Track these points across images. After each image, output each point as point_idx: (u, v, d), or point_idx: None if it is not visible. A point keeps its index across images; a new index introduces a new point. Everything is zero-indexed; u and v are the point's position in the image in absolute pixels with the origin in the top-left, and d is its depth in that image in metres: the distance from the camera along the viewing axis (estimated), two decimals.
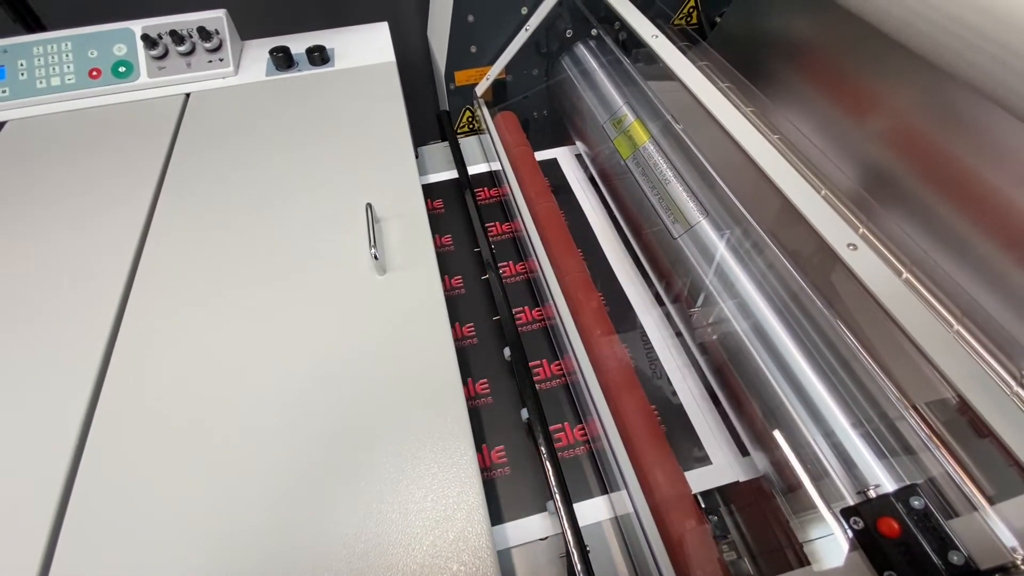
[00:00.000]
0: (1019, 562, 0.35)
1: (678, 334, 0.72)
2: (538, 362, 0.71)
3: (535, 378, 0.69)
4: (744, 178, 0.62)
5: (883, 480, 0.46)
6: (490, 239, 0.84)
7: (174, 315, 0.58)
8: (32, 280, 0.61)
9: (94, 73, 0.85)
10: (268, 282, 0.60)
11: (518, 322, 0.75)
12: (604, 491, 0.59)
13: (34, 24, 1.05)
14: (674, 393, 0.66)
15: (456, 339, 0.72)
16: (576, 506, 0.53)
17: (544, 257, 0.75)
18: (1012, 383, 0.44)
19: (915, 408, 0.48)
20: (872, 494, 0.44)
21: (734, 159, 0.61)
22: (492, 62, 1.03)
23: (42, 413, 0.51)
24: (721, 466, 0.60)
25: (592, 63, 0.96)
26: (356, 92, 0.84)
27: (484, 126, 1.00)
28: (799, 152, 0.69)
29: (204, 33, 0.86)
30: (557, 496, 0.53)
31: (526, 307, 0.77)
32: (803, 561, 0.49)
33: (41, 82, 0.84)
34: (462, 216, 0.88)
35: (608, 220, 0.88)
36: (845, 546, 0.43)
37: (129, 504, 0.45)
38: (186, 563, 0.43)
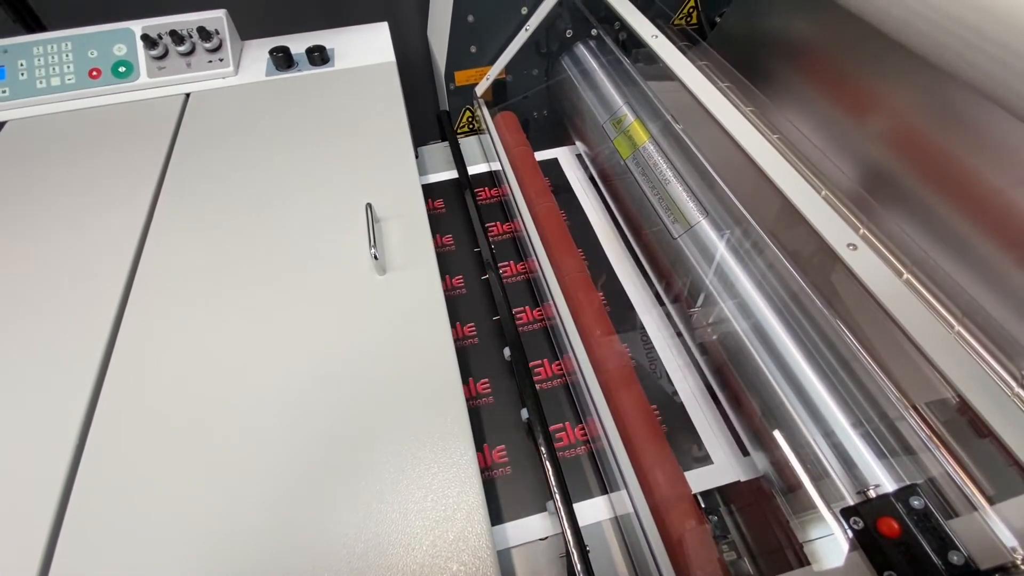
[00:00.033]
0: (1019, 562, 0.35)
1: (679, 334, 0.72)
2: (539, 362, 0.71)
3: (536, 378, 0.69)
4: (744, 178, 0.62)
5: (883, 480, 0.46)
6: (491, 239, 0.84)
7: (174, 315, 0.58)
8: (32, 280, 0.61)
9: (94, 73, 0.85)
10: (268, 282, 0.60)
11: (519, 322, 0.75)
12: (604, 491, 0.59)
13: (34, 24, 1.05)
14: (675, 393, 0.66)
15: (457, 339, 0.72)
16: (576, 506, 0.53)
17: (544, 257, 0.75)
18: (1012, 383, 0.44)
19: (915, 408, 0.48)
20: (872, 494, 0.44)
21: (734, 159, 0.61)
22: (492, 62, 1.03)
23: (42, 413, 0.51)
24: (722, 466, 0.60)
25: (592, 63, 0.96)
26: (356, 92, 0.84)
27: (484, 126, 1.00)
28: (799, 152, 0.69)
29: (204, 33, 0.86)
30: (557, 496, 0.53)
31: (527, 307, 0.77)
32: (803, 561, 0.49)
33: (41, 82, 0.84)
34: (463, 216, 0.88)
35: (609, 220, 0.88)
36: (845, 546, 0.43)
37: (129, 504, 0.45)
38: (186, 563, 0.43)
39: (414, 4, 1.24)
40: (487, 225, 0.87)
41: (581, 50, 1.00)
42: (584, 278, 0.73)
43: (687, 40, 0.90)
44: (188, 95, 0.85)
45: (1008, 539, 0.37)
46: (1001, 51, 0.45)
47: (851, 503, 0.45)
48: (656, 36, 0.74)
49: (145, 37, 0.85)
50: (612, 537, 0.57)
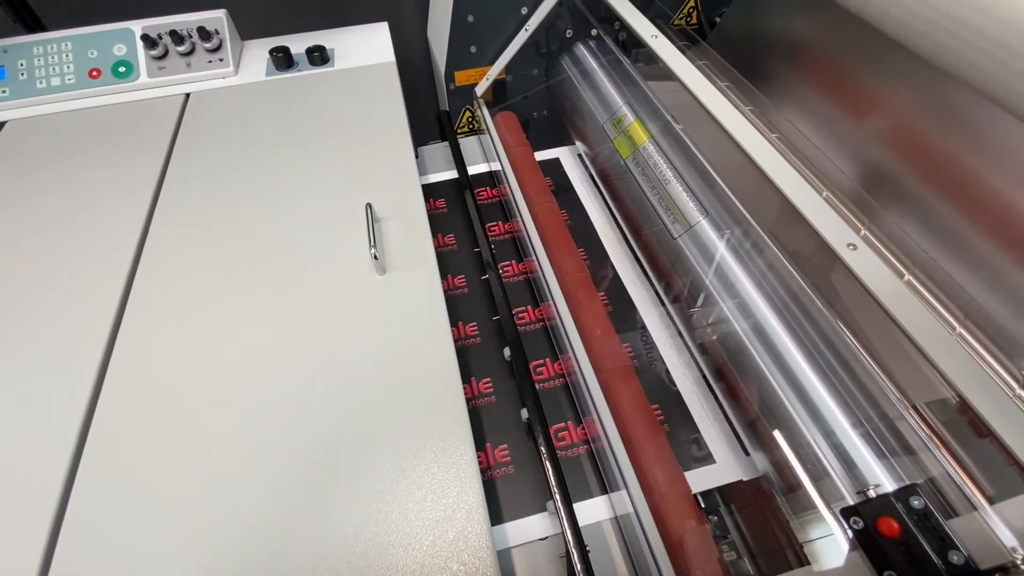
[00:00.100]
0: (1019, 562, 0.35)
1: (680, 333, 0.72)
2: (541, 361, 0.71)
3: (539, 377, 0.69)
4: (744, 178, 0.62)
5: (883, 480, 0.46)
6: (491, 239, 0.84)
7: (173, 314, 0.58)
8: (32, 280, 0.61)
9: (94, 73, 0.85)
10: (268, 282, 0.60)
11: (521, 321, 0.75)
12: (604, 491, 0.59)
13: (34, 24, 1.05)
14: (676, 392, 0.66)
15: (459, 338, 0.72)
16: (576, 506, 0.53)
17: (544, 257, 0.75)
18: (1013, 384, 0.44)
19: (915, 408, 0.48)
20: (872, 494, 0.44)
21: (734, 159, 0.61)
22: (492, 62, 1.03)
23: (42, 413, 0.51)
24: (723, 465, 0.60)
25: (592, 63, 0.96)
26: (356, 92, 0.84)
27: (484, 126, 1.00)
28: (799, 152, 0.69)
29: (204, 33, 0.86)
30: (557, 496, 0.53)
31: (528, 306, 0.77)
32: (803, 561, 0.49)
33: (41, 82, 0.84)
34: (464, 216, 0.88)
35: (611, 219, 0.88)
36: (845, 546, 0.43)
37: (129, 502, 0.45)
38: (186, 562, 0.43)
39: (414, 4, 1.24)
40: (489, 225, 0.87)
41: (581, 50, 1.00)
42: (584, 278, 0.73)
43: (687, 40, 0.90)
44: (188, 95, 0.85)
45: (1008, 539, 0.37)
46: (1001, 51, 0.45)
47: (851, 503, 0.45)
48: (656, 36, 0.74)
49: (145, 37, 0.85)
50: (612, 537, 0.57)
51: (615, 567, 0.55)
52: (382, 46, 0.94)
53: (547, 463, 0.56)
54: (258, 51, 0.93)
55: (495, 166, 0.94)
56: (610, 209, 0.89)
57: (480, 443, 0.62)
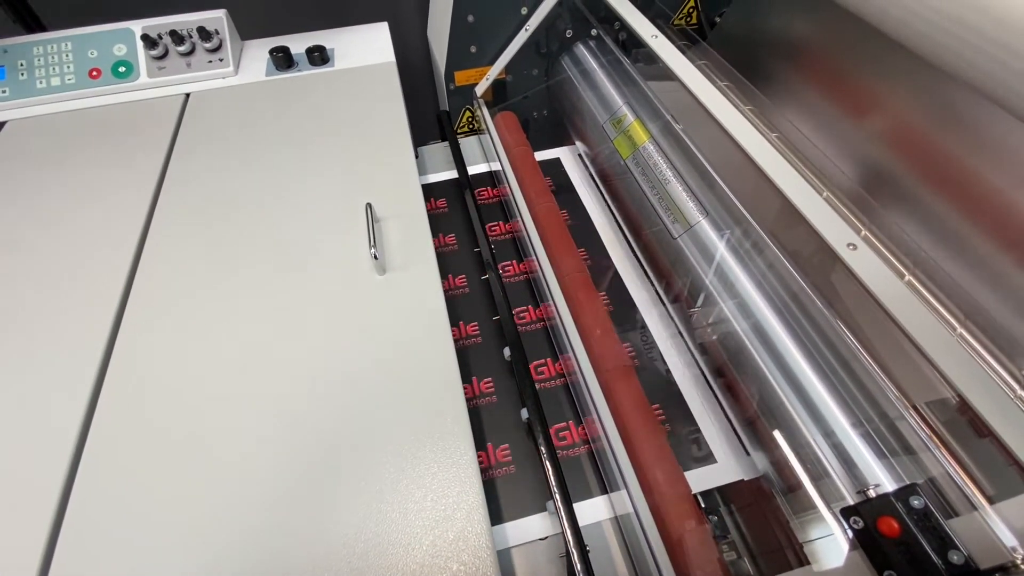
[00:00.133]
0: (1019, 562, 0.35)
1: (680, 333, 0.72)
2: (542, 361, 0.71)
3: (540, 377, 0.69)
4: (744, 178, 0.62)
5: (883, 480, 0.46)
6: (492, 239, 0.84)
7: (173, 314, 0.58)
8: (32, 281, 0.61)
9: (94, 73, 0.85)
10: (268, 282, 0.60)
11: (522, 321, 0.75)
12: (604, 491, 0.59)
13: (34, 24, 1.05)
14: (677, 392, 0.66)
15: (460, 338, 0.72)
16: (576, 506, 0.53)
17: (543, 257, 0.75)
18: (1014, 384, 0.44)
19: (915, 408, 0.48)
20: (872, 494, 0.44)
21: (734, 159, 0.61)
22: (492, 62, 1.03)
23: (42, 413, 0.51)
24: (723, 465, 0.60)
25: (592, 63, 0.96)
26: (356, 92, 0.84)
27: (484, 126, 1.00)
28: (799, 152, 0.69)
29: (204, 33, 0.86)
30: (557, 496, 0.53)
31: (529, 306, 0.77)
32: (803, 561, 0.49)
33: (41, 82, 0.84)
34: (464, 216, 0.88)
35: (611, 219, 0.88)
36: (845, 546, 0.43)
37: (129, 503, 0.45)
38: (186, 562, 0.43)
39: (414, 4, 1.24)
40: (490, 225, 0.87)
41: (581, 50, 1.00)
42: (584, 278, 0.73)
43: (687, 40, 0.90)
44: (188, 95, 0.85)
45: (1008, 539, 0.37)
46: (1001, 51, 0.45)
47: (851, 503, 0.45)
48: (656, 36, 0.74)
49: (145, 37, 0.85)
50: (612, 537, 0.57)
51: (615, 567, 0.55)
52: (382, 46, 0.94)
53: (547, 463, 0.56)
54: (258, 51, 0.93)
55: (495, 166, 0.94)
56: (610, 209, 0.89)
57: (481, 443, 0.62)
